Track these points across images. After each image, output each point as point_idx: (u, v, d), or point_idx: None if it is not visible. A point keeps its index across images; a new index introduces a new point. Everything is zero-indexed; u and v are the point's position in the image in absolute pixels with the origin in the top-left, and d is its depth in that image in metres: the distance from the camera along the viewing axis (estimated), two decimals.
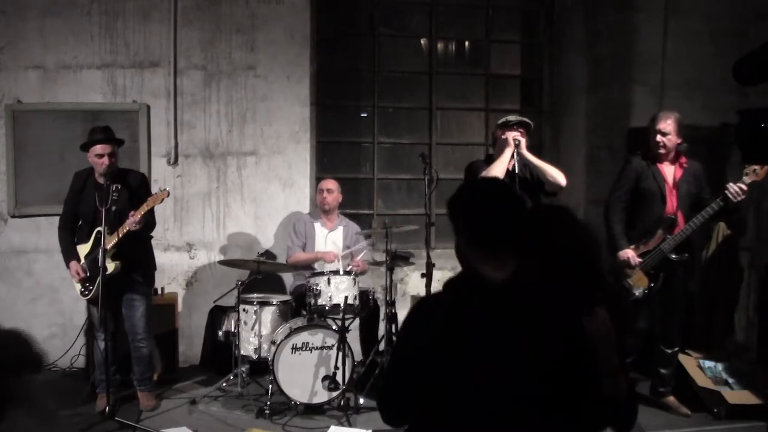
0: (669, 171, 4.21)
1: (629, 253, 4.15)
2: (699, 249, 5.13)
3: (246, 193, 5.46)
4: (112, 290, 3.99)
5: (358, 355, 4.62)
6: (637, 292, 4.15)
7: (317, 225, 5.00)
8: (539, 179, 4.20)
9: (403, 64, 6.06)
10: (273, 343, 4.28)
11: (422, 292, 4.79)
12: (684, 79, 5.58)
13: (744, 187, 3.93)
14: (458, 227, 1.89)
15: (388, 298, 4.53)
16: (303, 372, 4.18)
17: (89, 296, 4.14)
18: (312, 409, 4.18)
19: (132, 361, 4.28)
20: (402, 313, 4.94)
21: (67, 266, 4.17)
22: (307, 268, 4.81)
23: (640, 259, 4.14)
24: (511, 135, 4.14)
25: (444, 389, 1.74)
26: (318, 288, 4.29)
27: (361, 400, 4.21)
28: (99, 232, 4.00)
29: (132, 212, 3.94)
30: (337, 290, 4.30)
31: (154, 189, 4.61)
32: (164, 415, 4.19)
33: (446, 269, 5.53)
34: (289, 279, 5.29)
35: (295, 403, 4.16)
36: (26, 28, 5.17)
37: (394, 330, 4.45)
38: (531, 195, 4.18)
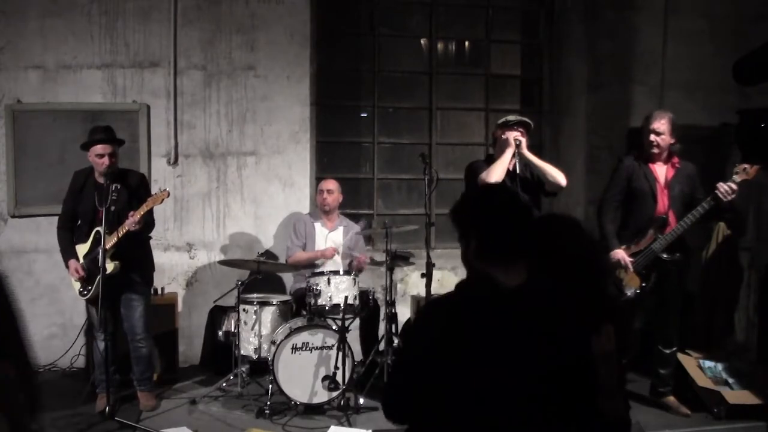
0: (661, 171, 4.21)
1: (620, 254, 4.15)
2: (695, 249, 5.13)
3: (246, 193, 5.46)
4: (110, 290, 3.99)
5: (358, 355, 4.62)
6: (629, 292, 4.16)
7: (317, 225, 5.00)
8: (539, 179, 4.20)
9: (403, 64, 6.06)
10: (273, 343, 4.28)
11: (422, 292, 4.79)
12: (684, 79, 5.58)
13: (734, 186, 3.92)
14: (464, 234, 1.89)
15: (388, 298, 4.53)
16: (303, 372, 4.18)
17: (88, 296, 4.14)
18: (312, 409, 4.18)
19: (132, 361, 4.28)
20: (402, 313, 4.97)
21: (66, 265, 4.17)
22: (307, 267, 4.81)
23: (632, 259, 4.15)
24: (512, 135, 4.14)
25: (449, 390, 1.74)
26: (318, 288, 4.29)
27: (361, 400, 4.21)
28: (98, 232, 4.00)
29: (132, 212, 3.94)
30: (337, 290, 4.30)
31: (154, 189, 4.61)
32: (164, 415, 4.19)
33: (446, 269, 5.55)
34: (289, 279, 5.29)
35: (295, 403, 4.16)
36: (26, 28, 5.17)
37: (394, 330, 4.45)
38: (531, 195, 4.18)
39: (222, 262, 4.79)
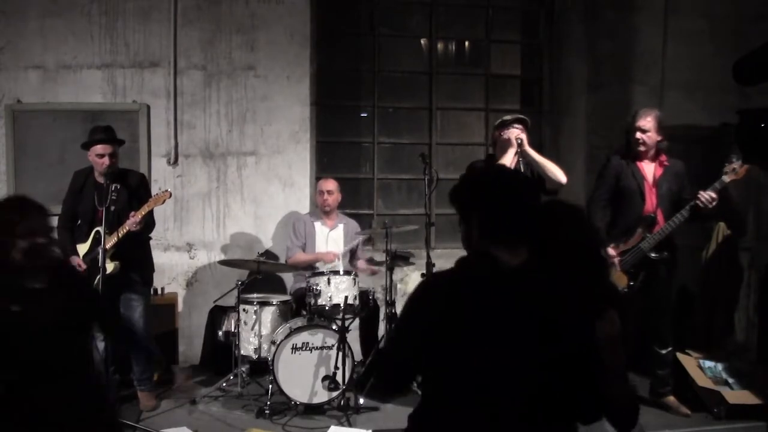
0: (649, 169, 4.21)
1: (608, 252, 4.15)
2: (694, 249, 5.14)
3: (246, 193, 5.46)
4: (110, 290, 3.99)
5: (358, 355, 4.62)
6: None
7: (317, 224, 5.00)
8: (540, 177, 4.19)
9: (403, 64, 6.06)
10: (273, 343, 4.27)
11: None
12: (684, 79, 5.58)
13: (713, 195, 3.95)
14: (465, 217, 1.88)
15: (388, 298, 4.53)
16: (303, 372, 4.18)
17: None
18: (312, 409, 4.18)
19: (132, 361, 4.28)
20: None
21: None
22: (307, 268, 4.81)
23: (620, 258, 4.15)
24: (513, 134, 4.12)
25: (446, 367, 1.74)
26: (318, 288, 4.29)
27: (361, 400, 4.21)
28: (98, 232, 3.99)
29: (132, 213, 3.94)
30: (337, 290, 4.30)
31: (154, 189, 4.61)
32: (164, 415, 4.19)
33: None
34: (289, 279, 5.29)
35: (295, 403, 4.16)
36: (26, 28, 5.17)
37: None
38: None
39: (222, 262, 4.79)
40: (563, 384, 1.69)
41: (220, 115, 5.41)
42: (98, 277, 3.86)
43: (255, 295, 4.60)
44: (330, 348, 4.21)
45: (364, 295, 4.52)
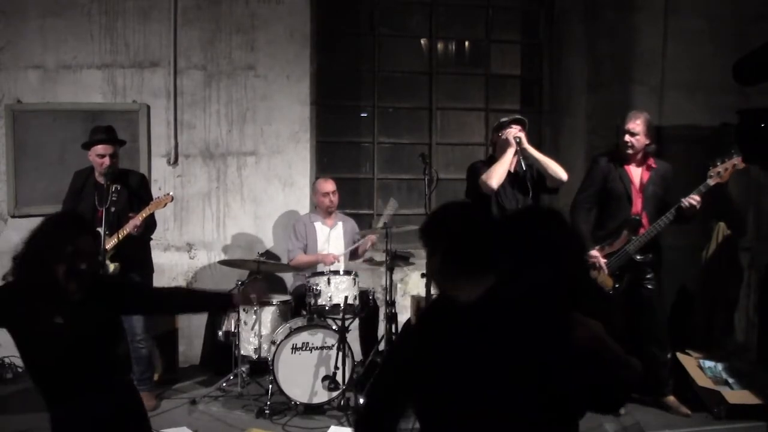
0: (636, 173, 4.22)
1: (595, 255, 4.16)
2: (694, 249, 5.14)
3: (246, 193, 5.46)
4: None
5: (358, 355, 4.62)
6: None
7: (317, 224, 5.00)
8: (540, 175, 4.20)
9: (403, 64, 6.06)
10: (273, 343, 4.28)
11: (422, 292, 4.79)
12: (684, 79, 5.58)
13: (698, 198, 3.98)
14: (432, 252, 1.88)
15: (388, 298, 4.53)
16: (303, 372, 4.18)
17: None
18: (312, 409, 4.18)
19: (132, 361, 4.28)
20: (402, 314, 4.97)
21: None
22: (308, 268, 4.81)
23: (606, 261, 4.16)
24: (511, 133, 4.14)
25: (431, 410, 1.76)
26: (318, 288, 4.29)
27: (361, 400, 4.21)
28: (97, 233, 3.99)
29: (132, 214, 3.94)
30: (337, 290, 4.30)
31: (154, 189, 4.61)
32: (164, 415, 4.19)
33: None
34: (289, 279, 5.29)
35: (295, 403, 4.16)
36: (26, 28, 5.17)
37: (394, 330, 4.45)
38: (533, 194, 4.18)
39: (222, 262, 4.79)
40: (548, 400, 1.69)
41: (220, 115, 5.41)
42: None
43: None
44: (330, 348, 4.21)
45: (364, 295, 4.53)
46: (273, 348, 4.20)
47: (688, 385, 4.36)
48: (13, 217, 5.16)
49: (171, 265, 5.35)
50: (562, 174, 4.14)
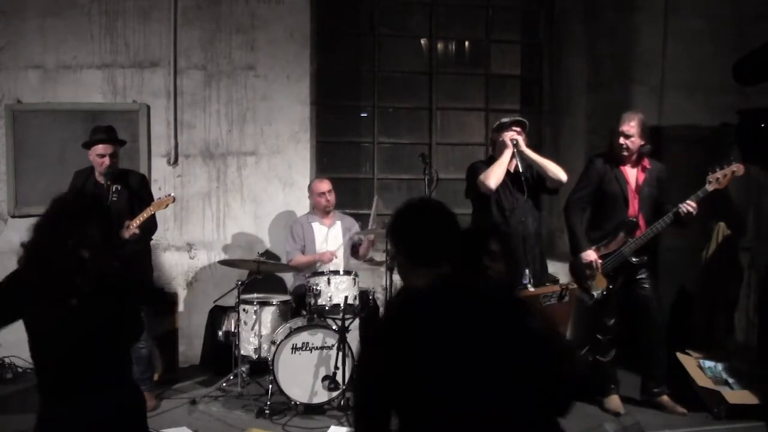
0: (632, 174, 4.22)
1: (593, 256, 4.17)
2: (694, 249, 5.14)
3: (246, 192, 5.46)
4: None
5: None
6: (596, 293, 4.19)
7: (315, 225, 5.00)
8: (540, 177, 4.20)
9: (403, 64, 6.06)
10: (273, 343, 4.28)
11: None
12: (684, 79, 5.57)
13: (691, 208, 3.99)
14: (397, 248, 2.04)
15: (388, 298, 4.53)
16: (303, 372, 4.18)
17: None
18: (312, 409, 4.18)
19: (132, 361, 4.27)
20: None
21: None
22: (308, 269, 4.81)
23: (601, 261, 4.17)
24: (508, 135, 4.15)
25: (413, 402, 1.76)
26: (318, 288, 4.29)
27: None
28: None
29: (128, 221, 3.92)
30: (337, 290, 4.30)
31: (154, 189, 4.61)
32: (164, 415, 4.19)
33: None
34: (289, 279, 5.29)
35: (295, 403, 4.16)
36: (26, 28, 5.17)
37: None
38: (533, 194, 4.18)
39: (222, 262, 4.79)
40: (526, 385, 1.72)
41: (220, 114, 5.41)
42: None
43: (255, 295, 4.60)
44: (330, 348, 4.21)
45: (364, 295, 4.52)
46: (273, 348, 4.20)
47: (688, 385, 4.36)
48: (13, 217, 5.16)
49: (171, 265, 5.35)
50: (561, 175, 4.14)
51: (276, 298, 4.61)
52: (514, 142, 4.12)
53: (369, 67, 5.95)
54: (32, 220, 2.47)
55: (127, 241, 3.94)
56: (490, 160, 4.32)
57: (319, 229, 5.00)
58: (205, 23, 5.34)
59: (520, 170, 4.12)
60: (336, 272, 4.39)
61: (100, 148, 4.07)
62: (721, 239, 5.13)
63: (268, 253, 5.18)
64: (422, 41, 6.12)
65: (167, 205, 4.03)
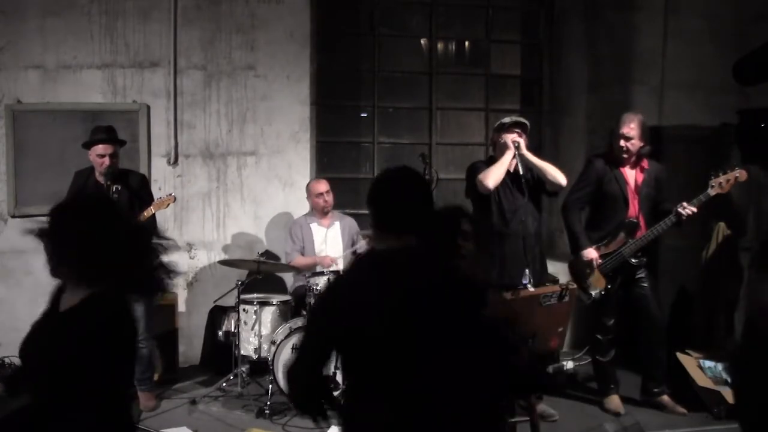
0: (631, 175, 4.23)
1: (593, 254, 4.17)
2: (694, 249, 5.14)
3: (246, 193, 5.46)
4: None
5: None
6: (594, 293, 4.20)
7: (314, 226, 5.00)
8: (540, 179, 4.20)
9: (403, 64, 6.06)
10: (273, 343, 4.28)
11: None
12: (684, 79, 5.57)
13: (695, 209, 4.00)
14: (369, 213, 2.15)
15: None
16: None
17: None
18: None
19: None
20: None
21: None
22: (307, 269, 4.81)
23: (600, 261, 4.18)
24: (510, 138, 4.14)
25: (362, 361, 1.86)
26: (318, 288, 4.29)
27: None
28: None
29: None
30: None
31: (154, 189, 4.61)
32: (164, 415, 4.20)
33: None
34: (289, 279, 5.30)
35: None
36: (26, 28, 5.16)
37: None
38: (533, 195, 4.18)
39: (222, 262, 4.79)
40: (485, 359, 1.81)
41: (220, 115, 5.41)
42: None
43: (255, 295, 4.60)
44: None
45: None
46: (273, 348, 4.20)
47: (688, 385, 4.36)
48: (13, 217, 5.16)
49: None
50: (561, 179, 4.14)
51: (276, 298, 4.61)
52: (516, 145, 4.12)
53: (369, 67, 5.95)
54: (32, 221, 2.39)
55: None
56: (491, 160, 4.31)
57: (317, 230, 5.00)
58: (205, 23, 5.34)
59: (520, 171, 4.12)
60: (336, 272, 4.39)
61: (100, 148, 4.07)
62: (721, 239, 5.14)
63: (268, 253, 5.18)
64: (422, 41, 6.12)
65: (168, 205, 4.04)
